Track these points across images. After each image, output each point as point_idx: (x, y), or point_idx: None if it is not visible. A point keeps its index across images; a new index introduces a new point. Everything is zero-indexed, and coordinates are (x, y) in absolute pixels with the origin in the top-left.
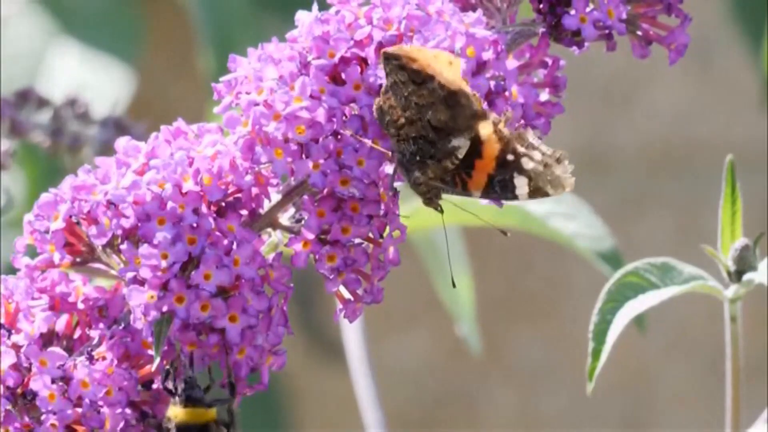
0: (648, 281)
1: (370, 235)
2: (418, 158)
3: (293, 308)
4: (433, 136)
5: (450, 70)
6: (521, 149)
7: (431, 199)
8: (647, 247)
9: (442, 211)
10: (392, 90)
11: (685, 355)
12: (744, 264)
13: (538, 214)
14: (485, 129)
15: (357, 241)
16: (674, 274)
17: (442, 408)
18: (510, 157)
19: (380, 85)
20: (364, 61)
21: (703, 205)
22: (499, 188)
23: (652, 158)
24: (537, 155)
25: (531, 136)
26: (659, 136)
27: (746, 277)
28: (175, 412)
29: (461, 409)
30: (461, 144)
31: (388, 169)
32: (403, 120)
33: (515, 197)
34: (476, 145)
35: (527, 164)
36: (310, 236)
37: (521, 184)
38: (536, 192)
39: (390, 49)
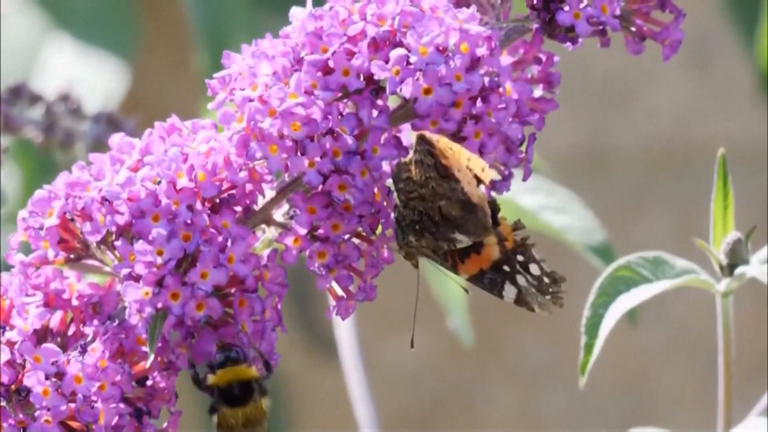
0: (640, 275)
1: (363, 232)
2: (417, 227)
3: (292, 308)
4: (440, 220)
5: (475, 187)
6: (519, 265)
7: (412, 256)
8: (646, 246)
9: (417, 267)
10: (416, 164)
11: (685, 354)
12: (736, 257)
13: (529, 207)
14: (490, 240)
15: (347, 237)
16: (666, 268)
17: (442, 407)
18: (506, 267)
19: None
20: None
21: (702, 205)
22: (488, 284)
23: (651, 158)
24: (535, 270)
25: (534, 251)
26: (659, 136)
27: (738, 270)
28: (215, 379)
29: (460, 408)
30: (463, 240)
31: (384, 166)
32: (416, 194)
33: (500, 296)
34: (478, 243)
35: (520, 281)
36: (302, 231)
37: (510, 291)
38: (522, 304)
39: (428, 135)
